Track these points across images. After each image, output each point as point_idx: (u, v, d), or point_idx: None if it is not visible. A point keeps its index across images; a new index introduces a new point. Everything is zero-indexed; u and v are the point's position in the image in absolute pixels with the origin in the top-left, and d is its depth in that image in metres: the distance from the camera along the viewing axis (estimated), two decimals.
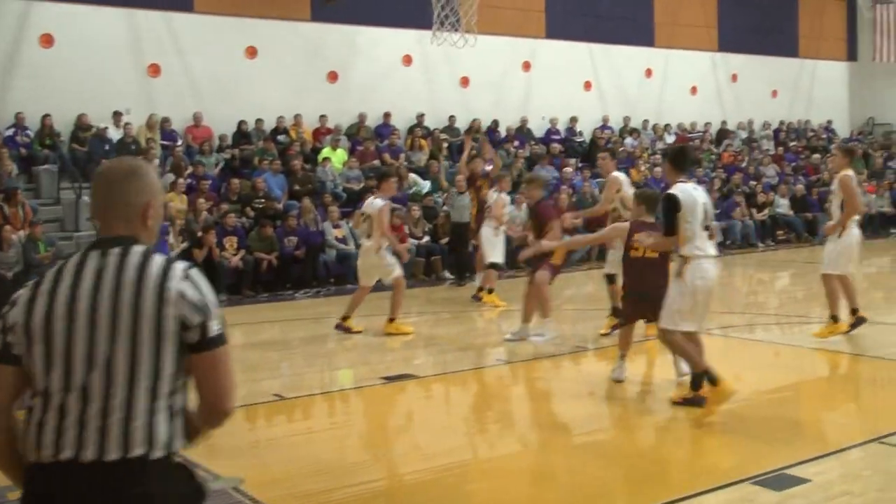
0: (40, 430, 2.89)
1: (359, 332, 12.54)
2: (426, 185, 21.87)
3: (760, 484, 6.22)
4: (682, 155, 8.59)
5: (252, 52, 22.81)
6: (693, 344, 8.19)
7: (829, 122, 33.85)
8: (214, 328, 3.00)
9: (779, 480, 6.26)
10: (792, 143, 31.47)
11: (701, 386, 8.05)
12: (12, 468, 3.06)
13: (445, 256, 19.77)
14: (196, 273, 3.05)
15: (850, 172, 11.24)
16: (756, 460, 6.76)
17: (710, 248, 8.09)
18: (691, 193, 8.07)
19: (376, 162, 22.56)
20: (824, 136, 32.66)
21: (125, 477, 2.85)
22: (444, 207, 20.53)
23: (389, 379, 10.03)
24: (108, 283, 2.93)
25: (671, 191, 8.09)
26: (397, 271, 12.55)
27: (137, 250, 3.02)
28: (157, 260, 3.00)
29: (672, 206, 7.95)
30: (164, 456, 2.91)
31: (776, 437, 7.38)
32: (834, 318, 11.10)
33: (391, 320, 12.61)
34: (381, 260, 12.44)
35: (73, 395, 2.87)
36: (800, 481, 6.25)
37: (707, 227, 8.08)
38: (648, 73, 29.70)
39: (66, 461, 2.85)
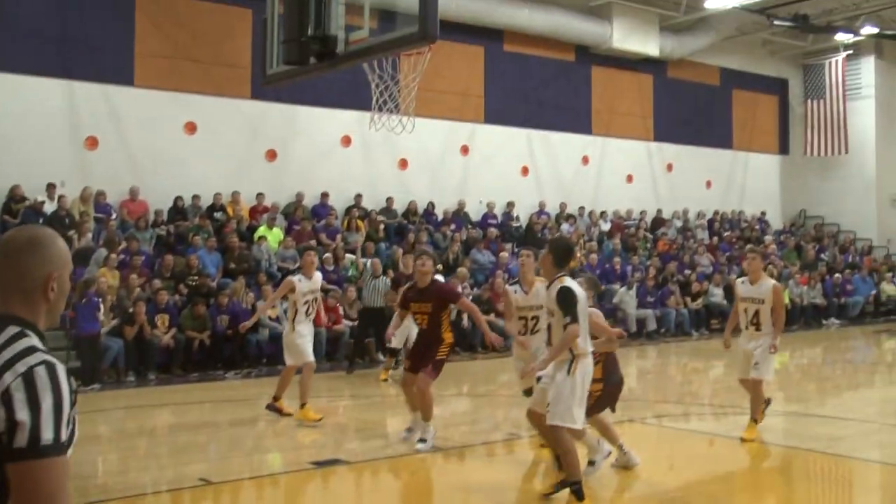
0: None
1: (289, 414, 12.33)
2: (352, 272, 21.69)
3: None
4: (568, 250, 8.34)
5: (191, 127, 22.73)
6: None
7: (763, 213, 34.44)
8: (24, 438, 2.55)
9: None
10: (726, 234, 31.93)
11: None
12: None
13: (355, 339, 19.49)
14: (42, 373, 2.62)
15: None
16: None
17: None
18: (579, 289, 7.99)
19: (312, 242, 22.45)
20: (757, 226, 33.19)
21: None
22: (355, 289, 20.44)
23: (319, 464, 9.87)
24: None
25: (567, 283, 7.87)
26: (308, 356, 12.30)
27: (8, 332, 2.74)
28: (13, 349, 2.68)
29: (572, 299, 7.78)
30: None
31: None
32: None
33: (302, 406, 12.26)
34: (293, 341, 12.27)
35: None
36: None
37: None
38: (585, 160, 30.03)
39: None
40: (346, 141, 25.14)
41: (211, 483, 9.10)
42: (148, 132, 21.93)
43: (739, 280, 11.34)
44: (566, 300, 7.70)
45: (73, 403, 2.67)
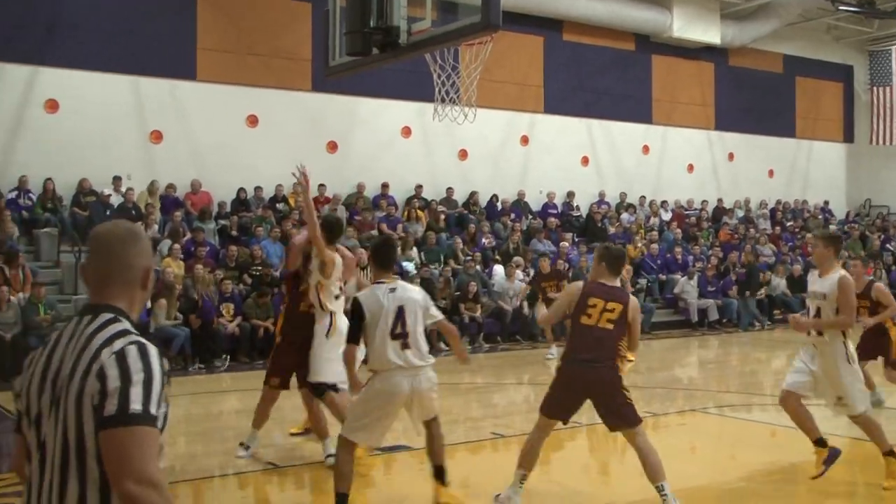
0: (29, 495, 2.87)
1: None
2: (411, 267, 21.75)
3: None
4: (389, 250, 7.81)
5: (253, 120, 23.00)
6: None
7: (826, 202, 34.06)
8: (114, 406, 2.70)
9: None
10: (788, 223, 31.61)
11: None
12: None
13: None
14: (133, 351, 2.80)
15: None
16: None
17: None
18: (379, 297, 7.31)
19: (374, 232, 22.63)
20: (820, 216, 32.79)
21: None
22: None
23: (383, 450, 9.99)
24: (66, 354, 2.86)
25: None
26: None
27: (102, 319, 2.91)
28: (106, 332, 2.86)
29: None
30: None
31: None
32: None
33: None
34: None
35: (36, 464, 2.85)
36: None
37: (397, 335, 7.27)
38: (646, 149, 29.90)
39: None
40: (407, 132, 25.26)
41: (278, 467, 9.25)
42: (210, 125, 22.23)
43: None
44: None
45: (163, 384, 2.79)
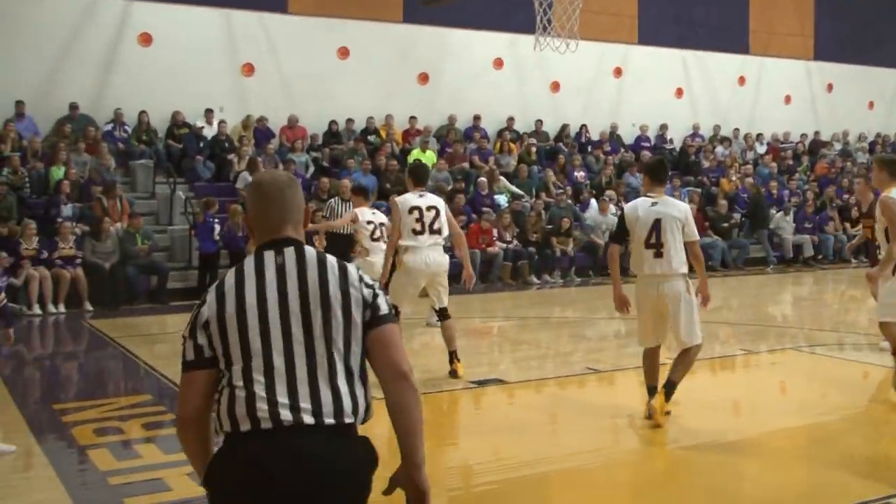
0: (249, 405, 3.16)
1: None
2: (502, 199, 21.70)
3: None
4: (662, 167, 8.38)
5: (344, 52, 23.01)
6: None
7: None
8: (384, 307, 3.37)
9: None
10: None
11: None
12: (200, 460, 3.35)
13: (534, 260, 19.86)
14: (358, 271, 3.43)
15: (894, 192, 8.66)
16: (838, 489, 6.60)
17: None
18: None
19: (465, 164, 22.62)
20: None
21: (329, 439, 3.16)
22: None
23: (478, 383, 10.07)
24: (292, 277, 3.30)
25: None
26: None
27: (310, 250, 3.41)
28: (330, 257, 3.40)
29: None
30: (354, 423, 3.25)
31: (856, 468, 7.18)
32: None
33: None
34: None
35: (276, 374, 3.19)
36: None
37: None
38: (741, 80, 29.27)
39: (278, 426, 3.13)
40: (499, 63, 25.08)
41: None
42: (302, 58, 22.32)
43: None
44: None
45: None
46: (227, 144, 20.81)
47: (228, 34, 21.74)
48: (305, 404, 3.15)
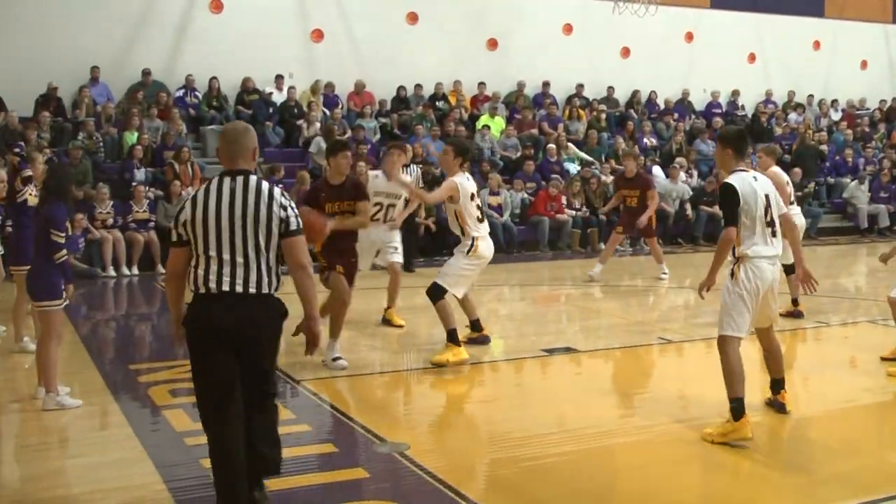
0: (206, 277, 5.09)
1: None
2: (572, 167, 21.57)
3: None
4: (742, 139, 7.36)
5: (413, 17, 22.97)
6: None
7: None
8: (294, 224, 5.18)
9: None
10: None
11: None
12: (176, 306, 5.40)
13: (603, 228, 19.73)
14: (284, 192, 5.28)
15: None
16: None
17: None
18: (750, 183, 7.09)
19: (534, 131, 22.51)
20: None
21: (253, 302, 5.12)
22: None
23: (550, 351, 10.06)
24: (238, 197, 5.11)
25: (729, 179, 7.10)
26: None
27: (253, 178, 5.20)
28: (265, 184, 5.21)
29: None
30: (270, 293, 5.17)
31: None
32: None
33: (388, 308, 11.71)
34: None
35: (224, 259, 5.08)
36: None
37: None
38: (816, 45, 28.71)
39: (223, 292, 5.07)
40: (568, 29, 24.87)
41: (444, 367, 9.33)
42: (371, 23, 22.35)
43: None
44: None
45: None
46: (296, 110, 20.91)
47: (298, 0, 21.83)
48: (240, 280, 5.08)
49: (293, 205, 5.22)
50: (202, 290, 5.09)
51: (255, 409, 5.26)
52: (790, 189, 11.45)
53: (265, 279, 5.12)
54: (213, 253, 5.08)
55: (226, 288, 5.06)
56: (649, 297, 14.52)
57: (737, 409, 6.84)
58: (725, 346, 6.97)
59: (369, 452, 6.77)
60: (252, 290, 5.08)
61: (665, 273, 15.35)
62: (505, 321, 12.17)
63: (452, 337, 9.37)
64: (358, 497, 5.88)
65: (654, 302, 14.13)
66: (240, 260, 5.07)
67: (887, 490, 6.02)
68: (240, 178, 5.15)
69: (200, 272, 5.10)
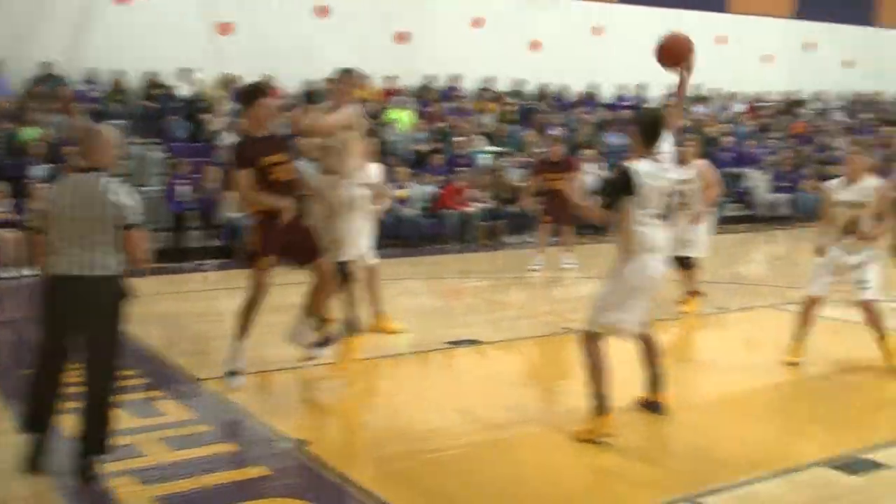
0: (57, 261, 5.90)
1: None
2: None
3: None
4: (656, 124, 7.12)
5: (323, 11, 22.86)
6: None
7: None
8: (131, 218, 5.93)
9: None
10: (864, 116, 30.74)
11: None
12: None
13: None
14: (125, 186, 6.01)
15: None
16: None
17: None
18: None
19: (443, 124, 22.55)
20: None
21: (98, 283, 5.91)
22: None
23: (454, 344, 10.10)
24: (85, 192, 5.88)
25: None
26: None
27: (97, 174, 5.94)
28: (103, 180, 5.92)
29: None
30: (113, 275, 5.95)
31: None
32: None
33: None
34: None
35: (70, 246, 5.87)
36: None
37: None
38: (720, 39, 29.19)
39: (71, 275, 5.88)
40: (478, 22, 24.96)
41: (369, 360, 9.36)
42: (279, 16, 22.19)
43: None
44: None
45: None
46: (202, 104, 20.69)
47: None
48: (85, 263, 5.86)
49: (129, 203, 5.96)
50: (53, 272, 5.97)
51: (95, 380, 6.05)
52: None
53: (108, 263, 5.94)
54: (61, 242, 5.91)
55: (72, 270, 5.90)
56: (556, 287, 14.64)
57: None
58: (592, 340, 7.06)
59: (272, 449, 6.77)
60: (96, 272, 5.90)
61: (569, 263, 15.50)
62: (410, 315, 12.18)
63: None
64: (260, 495, 5.86)
65: (561, 292, 14.25)
66: (85, 245, 5.87)
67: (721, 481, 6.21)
68: (91, 175, 5.96)
69: (52, 257, 5.97)
